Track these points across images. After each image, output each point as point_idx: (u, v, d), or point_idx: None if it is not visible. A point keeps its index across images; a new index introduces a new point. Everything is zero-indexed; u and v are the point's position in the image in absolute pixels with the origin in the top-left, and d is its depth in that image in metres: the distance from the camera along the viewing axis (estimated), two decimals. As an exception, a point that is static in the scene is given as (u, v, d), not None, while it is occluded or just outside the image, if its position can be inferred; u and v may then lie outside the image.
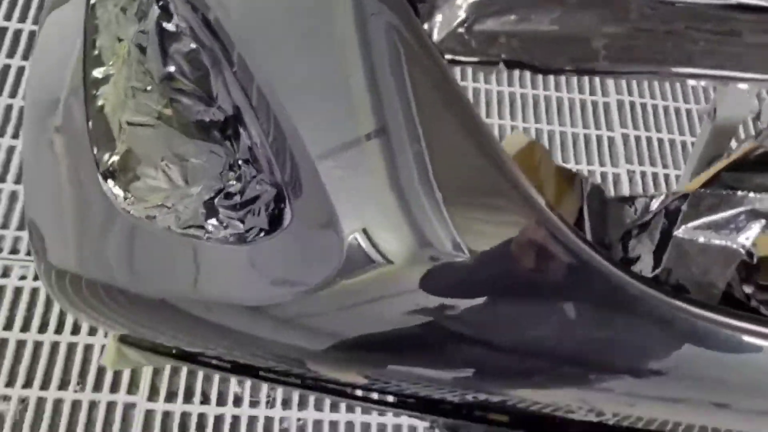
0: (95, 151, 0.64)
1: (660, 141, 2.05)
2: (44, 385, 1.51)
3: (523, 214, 0.54)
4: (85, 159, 0.65)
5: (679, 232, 0.69)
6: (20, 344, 1.54)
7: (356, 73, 0.56)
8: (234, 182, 0.57)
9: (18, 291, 1.59)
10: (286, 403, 1.60)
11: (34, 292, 1.59)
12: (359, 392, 0.64)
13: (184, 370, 1.58)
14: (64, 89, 0.70)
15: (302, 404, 1.60)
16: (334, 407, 1.60)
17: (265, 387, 1.61)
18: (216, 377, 1.59)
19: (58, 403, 1.50)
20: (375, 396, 0.63)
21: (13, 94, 1.81)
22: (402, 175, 0.52)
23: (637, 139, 2.04)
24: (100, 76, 0.67)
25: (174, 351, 0.71)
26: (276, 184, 0.55)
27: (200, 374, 1.58)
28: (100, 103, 0.66)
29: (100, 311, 0.67)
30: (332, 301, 0.53)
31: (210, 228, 0.57)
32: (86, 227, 0.65)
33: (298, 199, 0.54)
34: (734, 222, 0.68)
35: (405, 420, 1.61)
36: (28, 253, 1.62)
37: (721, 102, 1.17)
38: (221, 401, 1.57)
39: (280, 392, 1.61)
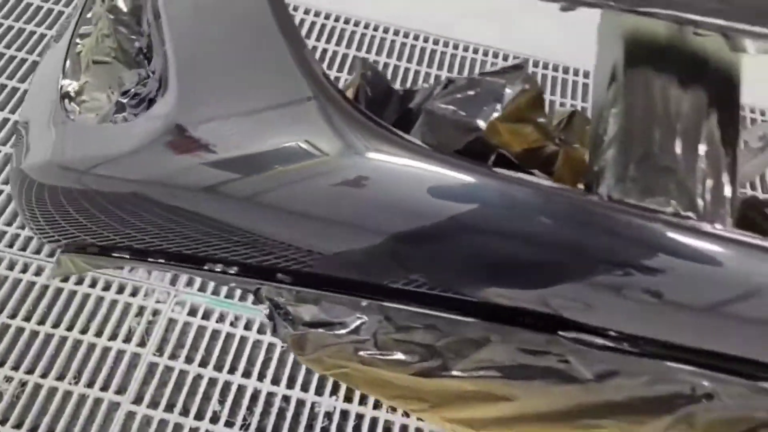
0: (61, 80, 0.82)
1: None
2: (44, 374, 1.64)
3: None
4: (55, 85, 0.83)
5: (429, 104, 0.81)
6: (33, 334, 1.70)
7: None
8: (141, 87, 0.72)
9: (44, 289, 1.77)
10: (260, 430, 1.64)
11: (58, 292, 1.77)
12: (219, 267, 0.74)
13: (171, 383, 1.67)
14: (61, 46, 0.90)
15: (275, 435, 1.63)
16: (304, 440, 1.62)
17: (243, 410, 1.66)
18: (199, 395, 1.66)
19: (52, 391, 1.62)
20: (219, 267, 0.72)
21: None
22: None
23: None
24: (85, 32, 0.87)
25: (103, 247, 0.83)
26: (160, 79, 0.70)
27: (185, 388, 1.67)
28: (78, 49, 0.85)
29: (54, 207, 0.82)
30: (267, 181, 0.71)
31: (116, 120, 0.72)
32: (45, 132, 0.81)
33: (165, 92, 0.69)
34: (476, 101, 0.76)
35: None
36: (51, 255, 1.83)
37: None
38: (199, 416, 1.64)
39: (255, 418, 1.65)
